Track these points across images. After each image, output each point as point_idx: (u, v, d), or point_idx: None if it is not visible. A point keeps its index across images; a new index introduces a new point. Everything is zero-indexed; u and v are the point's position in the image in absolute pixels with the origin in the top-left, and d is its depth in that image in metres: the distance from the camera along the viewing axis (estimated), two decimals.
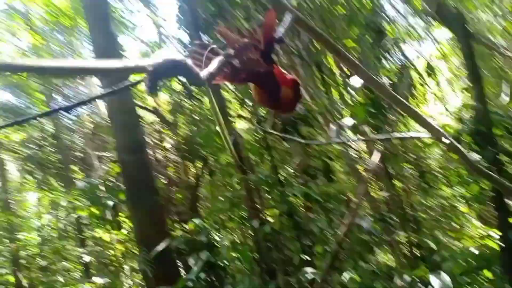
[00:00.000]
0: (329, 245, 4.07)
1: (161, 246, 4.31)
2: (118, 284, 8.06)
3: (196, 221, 4.44)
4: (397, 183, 5.80)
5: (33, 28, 11.72)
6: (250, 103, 5.85)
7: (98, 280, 7.32)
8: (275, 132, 5.17)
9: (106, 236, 9.09)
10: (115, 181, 5.69)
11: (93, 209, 5.13)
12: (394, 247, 5.03)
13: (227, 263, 4.00)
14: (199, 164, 8.29)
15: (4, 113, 10.82)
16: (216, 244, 4.17)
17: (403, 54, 5.99)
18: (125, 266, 7.47)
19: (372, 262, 3.95)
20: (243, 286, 3.90)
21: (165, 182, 7.53)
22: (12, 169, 11.76)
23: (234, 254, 3.88)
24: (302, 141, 4.78)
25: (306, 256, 4.07)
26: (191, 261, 4.17)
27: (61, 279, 7.44)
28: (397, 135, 4.78)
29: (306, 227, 4.40)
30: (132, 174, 5.15)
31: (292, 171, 5.88)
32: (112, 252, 8.60)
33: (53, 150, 11.07)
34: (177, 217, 8.23)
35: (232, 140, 4.95)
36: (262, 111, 5.29)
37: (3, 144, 10.89)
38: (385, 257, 5.46)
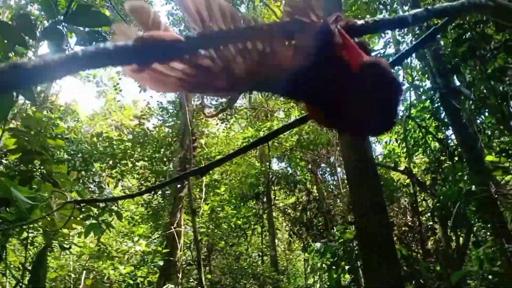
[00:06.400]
0: None
1: None
2: None
3: None
4: None
5: None
6: None
7: None
8: None
9: None
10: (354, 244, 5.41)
11: (331, 273, 4.98)
12: None
13: None
14: (462, 233, 6.94)
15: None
16: None
17: None
18: None
19: None
20: None
21: (417, 251, 6.62)
22: (283, 230, 13.23)
23: None
24: None
25: None
26: None
27: None
28: None
29: None
30: (369, 238, 4.75)
31: None
32: None
33: (316, 213, 11.95)
34: None
35: None
36: None
37: (277, 206, 12.65)
38: None
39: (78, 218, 4.19)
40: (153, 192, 10.31)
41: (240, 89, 0.65)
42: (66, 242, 6.60)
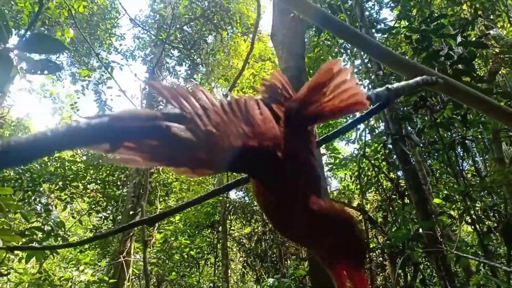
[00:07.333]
0: None
1: None
2: None
3: None
4: None
5: None
6: None
7: None
8: None
9: None
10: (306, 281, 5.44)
11: None
12: None
13: None
14: (410, 271, 7.17)
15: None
16: None
17: None
18: None
19: None
20: None
21: None
22: (236, 260, 13.01)
23: None
24: None
25: None
26: None
27: None
28: None
29: None
30: (321, 275, 4.82)
31: None
32: None
33: (271, 244, 11.89)
34: None
35: None
36: None
37: (232, 236, 12.48)
38: None
39: (20, 243, 3.94)
40: (103, 218, 9.90)
41: (218, 166, 0.55)
42: (4, 267, 6.14)
